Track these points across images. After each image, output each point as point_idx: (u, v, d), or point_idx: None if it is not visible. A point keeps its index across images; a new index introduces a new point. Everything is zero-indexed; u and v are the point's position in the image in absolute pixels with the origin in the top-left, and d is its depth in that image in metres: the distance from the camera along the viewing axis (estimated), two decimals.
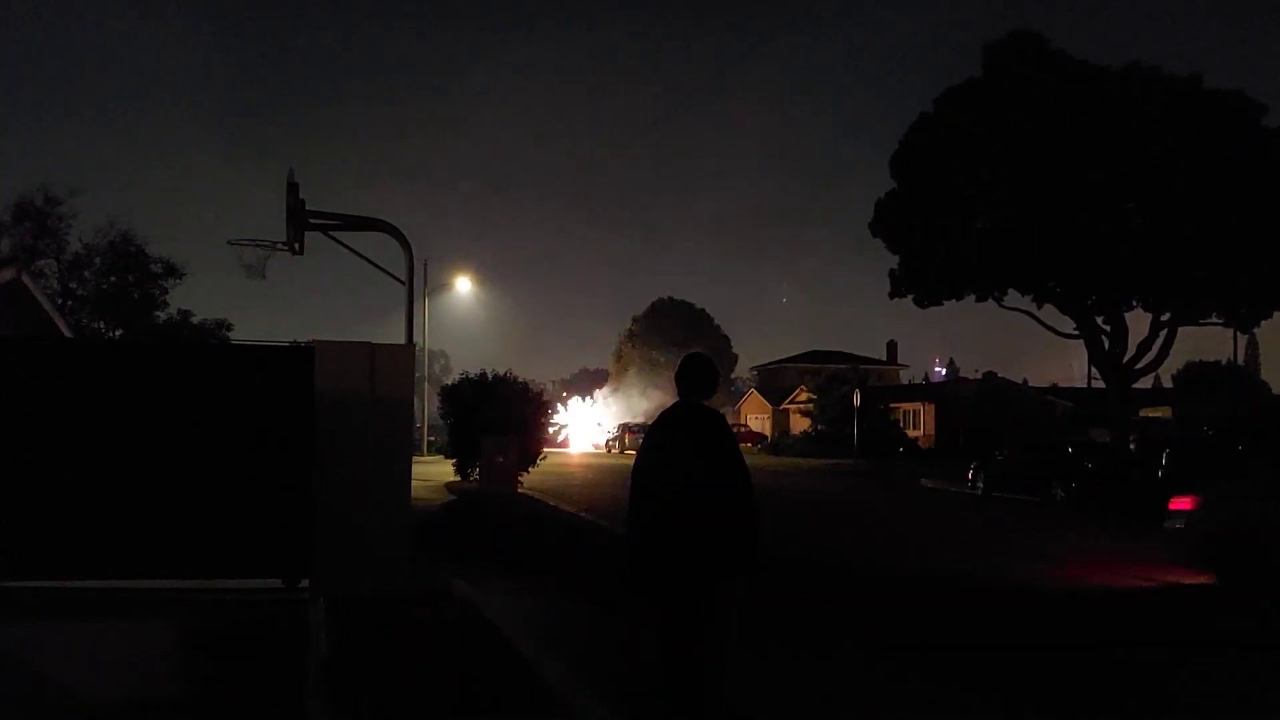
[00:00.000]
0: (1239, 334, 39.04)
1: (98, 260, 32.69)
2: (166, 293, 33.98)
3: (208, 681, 5.92)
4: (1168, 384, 47.76)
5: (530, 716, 4.75)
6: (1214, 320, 30.97)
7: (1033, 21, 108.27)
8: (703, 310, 76.20)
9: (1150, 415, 34.89)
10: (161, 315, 33.72)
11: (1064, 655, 7.32)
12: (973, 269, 30.52)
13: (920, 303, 32.59)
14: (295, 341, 8.91)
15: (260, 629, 7.19)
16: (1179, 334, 31.12)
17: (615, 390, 75.71)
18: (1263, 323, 31.66)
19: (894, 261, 32.61)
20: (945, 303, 32.48)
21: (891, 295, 32.94)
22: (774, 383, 71.96)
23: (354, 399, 8.67)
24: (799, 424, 57.37)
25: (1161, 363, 32.40)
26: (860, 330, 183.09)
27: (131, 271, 32.98)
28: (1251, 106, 28.30)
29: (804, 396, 57.55)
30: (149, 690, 5.71)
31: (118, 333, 32.01)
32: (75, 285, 32.55)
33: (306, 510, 8.20)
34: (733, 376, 78.00)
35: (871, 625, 8.49)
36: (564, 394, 69.37)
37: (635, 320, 77.08)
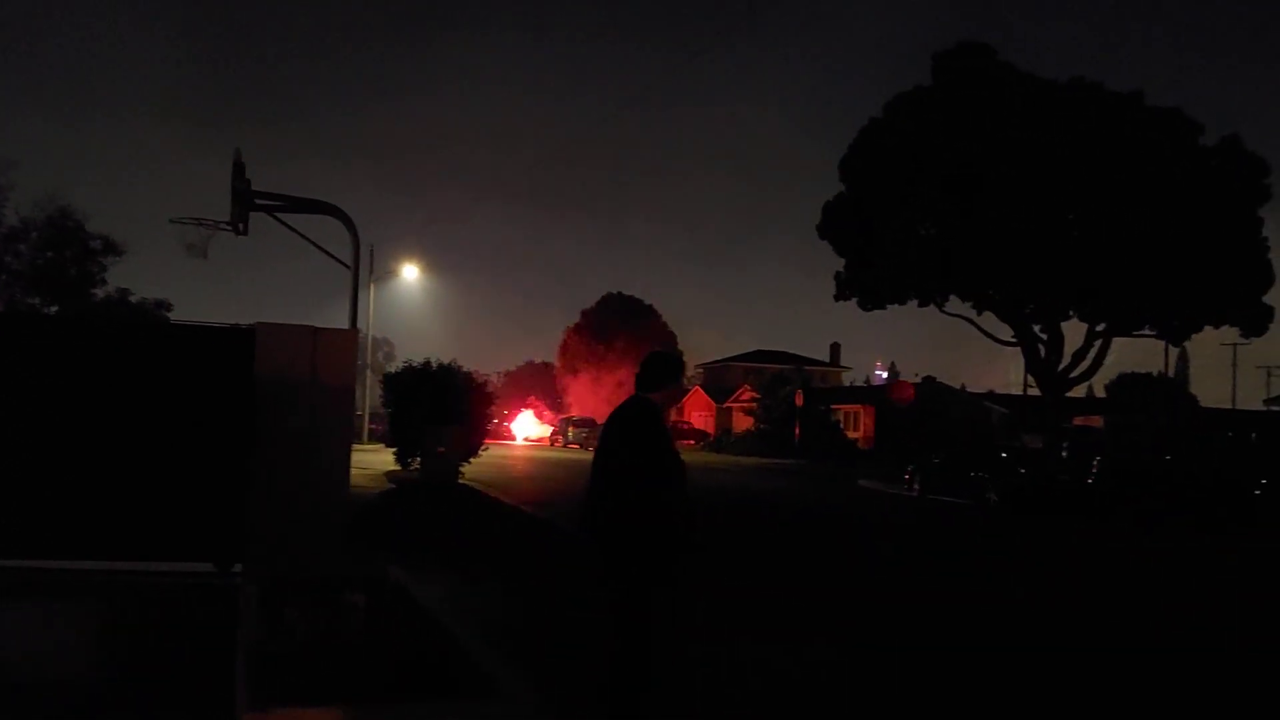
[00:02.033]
0: (1170, 346, 40.20)
1: (34, 235, 31.85)
2: (105, 270, 33.20)
3: (134, 663, 5.85)
4: (1100, 393, 49.00)
5: (463, 700, 4.77)
6: (1147, 332, 31.88)
7: (983, 33, 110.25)
8: (650, 306, 76.42)
9: (1082, 424, 35.77)
10: (99, 293, 32.95)
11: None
12: (916, 274, 31.07)
13: (864, 306, 33.09)
14: (236, 324, 8.79)
15: (190, 612, 7.12)
16: (1112, 345, 32.01)
17: (560, 383, 75.67)
18: (1193, 336, 32.71)
19: (840, 264, 33.07)
20: (889, 306, 33.03)
21: (837, 298, 33.42)
22: (719, 381, 72.41)
23: (294, 383, 8.59)
24: (742, 422, 57.81)
25: (1095, 372, 33.33)
26: (806, 331, 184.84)
27: (69, 247, 32.17)
28: (1189, 125, 29.17)
29: (748, 395, 58.04)
30: (70, 671, 5.62)
31: (53, 309, 31.22)
32: (10, 259, 31.68)
33: (241, 494, 8.12)
34: None
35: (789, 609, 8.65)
36: (528, 398, 69.25)
37: (583, 314, 77.06)
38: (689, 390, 74.09)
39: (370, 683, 5.03)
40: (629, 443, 4.56)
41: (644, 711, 4.45)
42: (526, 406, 67.15)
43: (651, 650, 4.46)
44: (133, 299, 33.49)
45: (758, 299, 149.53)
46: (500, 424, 56.00)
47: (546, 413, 67.68)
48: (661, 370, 4.78)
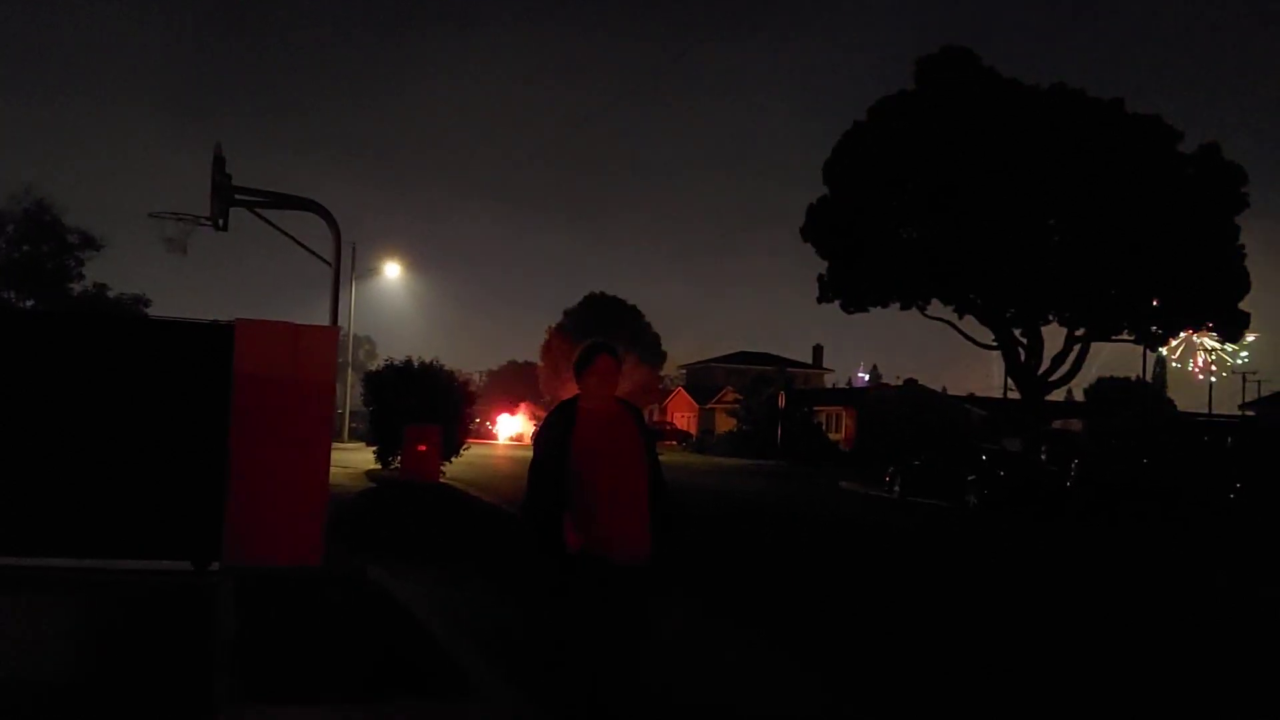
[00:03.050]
0: (1148, 352, 40.55)
1: (10, 228, 31.58)
2: (82, 264, 32.97)
3: (110, 661, 5.81)
4: (1079, 397, 49.43)
5: (440, 699, 4.76)
6: (1125, 337, 32.17)
7: (967, 39, 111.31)
8: (634, 307, 76.38)
9: (1061, 427, 36.04)
10: (76, 288, 32.69)
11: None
12: (898, 277, 31.23)
13: (847, 308, 33.21)
14: (216, 320, 8.73)
15: (168, 610, 7.07)
16: (1092, 349, 32.28)
17: (545, 383, 75.58)
18: (1171, 341, 33.02)
19: (824, 267, 33.19)
20: (871, 309, 33.17)
21: (820, 300, 33.51)
22: (702, 382, 72.55)
23: (274, 380, 8.54)
24: (725, 423, 57.93)
25: (1074, 376, 33.60)
26: (789, 333, 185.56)
27: (46, 241, 31.90)
28: (1168, 132, 29.44)
29: (730, 397, 58.19)
30: (46, 669, 5.57)
31: (29, 303, 30.94)
32: None
33: (219, 492, 8.06)
34: (661, 374, 78.38)
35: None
36: (521, 401, 69.39)
37: (566, 314, 76.97)
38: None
39: (348, 680, 5.02)
40: None
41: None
42: (518, 408, 67.33)
43: (568, 659, 4.22)
44: (110, 294, 33.25)
45: (742, 301, 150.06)
46: (482, 423, 55.98)
47: (541, 413, 67.80)
48: (574, 367, 4.37)
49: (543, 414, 57.62)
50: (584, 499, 4.11)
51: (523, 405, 69.21)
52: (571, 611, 4.14)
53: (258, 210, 15.31)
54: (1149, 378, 49.39)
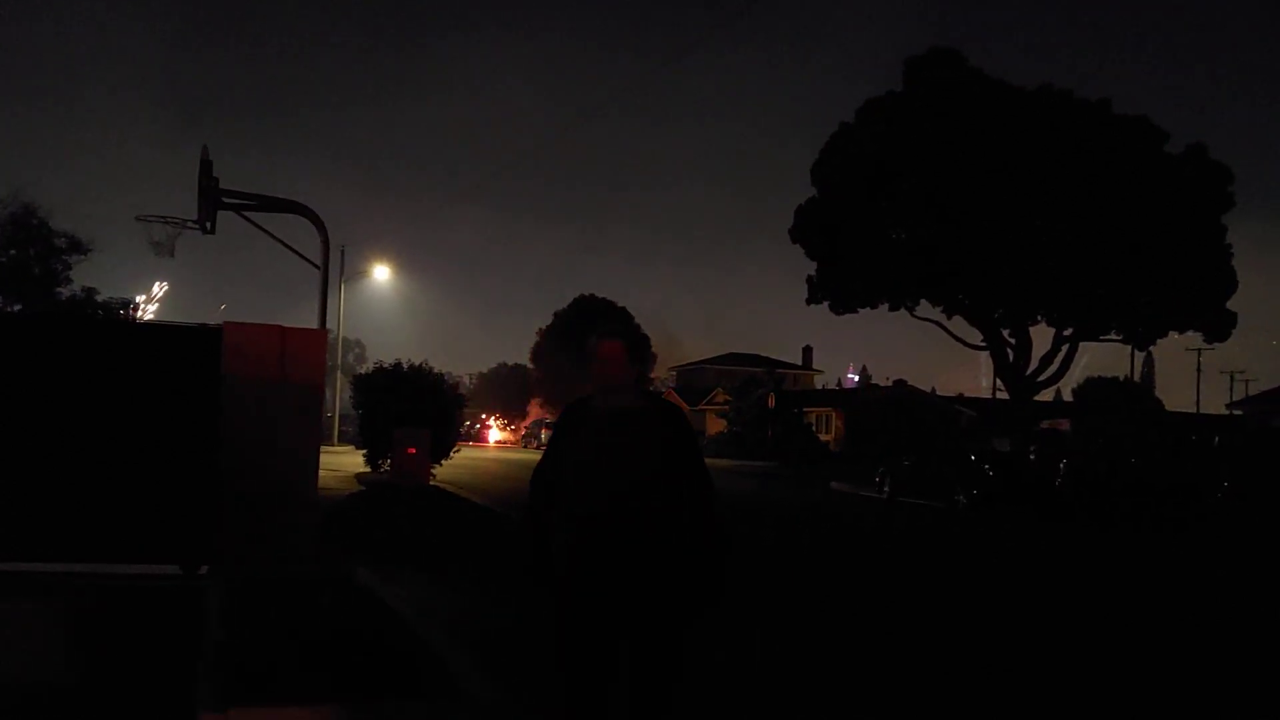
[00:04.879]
0: (1136, 351, 40.76)
1: None
2: (70, 269, 32.75)
3: (94, 665, 5.78)
4: (1068, 397, 49.63)
5: (429, 701, 4.75)
6: (1113, 337, 32.32)
7: (956, 40, 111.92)
8: (624, 309, 76.22)
9: (1050, 426, 36.16)
10: (64, 292, 32.48)
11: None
12: (886, 278, 31.30)
13: (836, 309, 33.28)
14: (204, 323, 8.70)
15: (157, 614, 7.05)
16: (1080, 349, 32.42)
17: (534, 385, 75.52)
18: (1159, 341, 33.20)
19: (812, 268, 33.24)
20: (860, 310, 33.23)
21: (809, 301, 33.56)
22: (692, 383, 72.57)
23: (262, 383, 8.52)
24: (715, 425, 57.95)
25: (1062, 376, 33.78)
26: (779, 334, 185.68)
27: (33, 245, 31.70)
28: (1155, 133, 29.58)
29: (721, 398, 58.21)
30: (30, 672, 5.54)
31: (16, 308, 30.74)
32: None
33: (207, 495, 8.03)
34: (651, 376, 78.36)
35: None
36: (512, 417, 69.65)
37: (556, 315, 76.86)
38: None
39: (335, 681, 5.01)
40: None
41: None
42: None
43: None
44: (99, 298, 33.07)
45: (732, 302, 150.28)
46: (472, 425, 55.93)
47: (548, 417, 67.86)
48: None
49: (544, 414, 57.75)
50: (566, 512, 3.58)
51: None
52: (560, 634, 3.66)
53: (245, 213, 15.23)
54: (1137, 377, 49.65)
